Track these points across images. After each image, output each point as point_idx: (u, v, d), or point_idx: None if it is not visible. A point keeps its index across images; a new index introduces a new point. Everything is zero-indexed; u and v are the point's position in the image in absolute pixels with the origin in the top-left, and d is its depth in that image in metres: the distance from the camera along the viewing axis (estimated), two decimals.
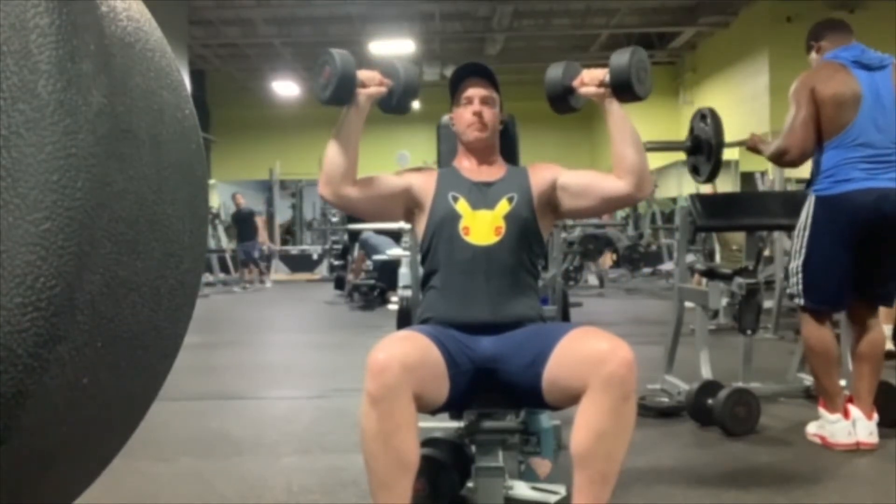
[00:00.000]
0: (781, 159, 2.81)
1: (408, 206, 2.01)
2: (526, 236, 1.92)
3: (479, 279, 1.86)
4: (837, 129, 2.69)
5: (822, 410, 2.81)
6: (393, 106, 1.93)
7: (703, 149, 3.20)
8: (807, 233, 2.76)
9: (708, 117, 3.17)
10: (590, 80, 1.86)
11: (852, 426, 2.72)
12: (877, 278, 2.74)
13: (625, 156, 1.84)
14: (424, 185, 1.99)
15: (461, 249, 1.89)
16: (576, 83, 1.88)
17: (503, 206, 1.92)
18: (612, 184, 1.88)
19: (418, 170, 2.11)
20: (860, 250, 2.68)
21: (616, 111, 1.85)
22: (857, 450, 2.69)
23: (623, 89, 1.82)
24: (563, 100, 1.92)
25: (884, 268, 2.73)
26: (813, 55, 2.91)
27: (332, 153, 1.88)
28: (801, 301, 2.80)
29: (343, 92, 1.83)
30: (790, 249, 2.93)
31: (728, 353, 3.91)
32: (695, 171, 3.31)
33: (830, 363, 2.79)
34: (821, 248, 2.72)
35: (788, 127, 2.75)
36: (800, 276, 2.77)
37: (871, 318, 2.81)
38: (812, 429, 2.86)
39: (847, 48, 2.77)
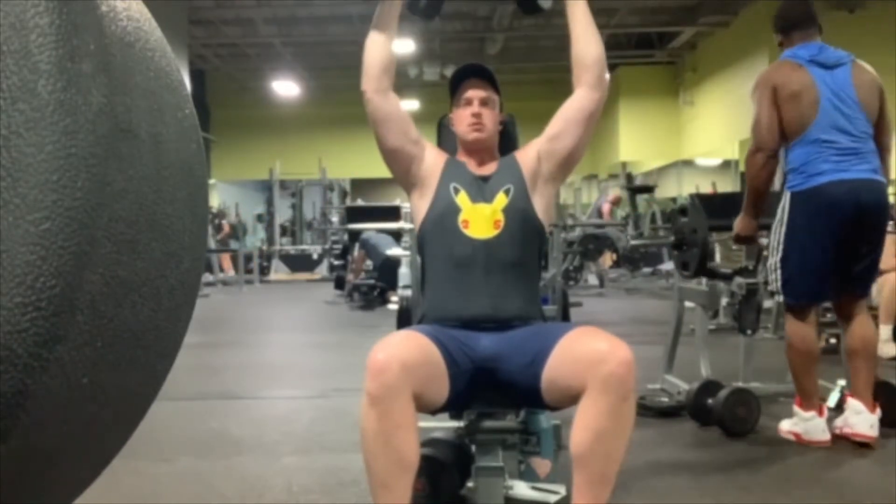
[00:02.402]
0: (756, 158, 2.74)
1: (413, 169, 1.99)
2: (525, 228, 1.92)
3: (478, 273, 1.86)
4: (800, 129, 2.70)
5: (796, 408, 2.83)
6: (421, 8, 2.01)
7: (688, 244, 3.26)
8: (783, 228, 2.76)
9: (689, 210, 3.21)
10: None
11: (826, 424, 2.75)
12: (857, 271, 2.74)
13: (588, 50, 1.93)
14: (434, 161, 2.00)
15: (460, 243, 1.89)
16: None
17: (501, 200, 1.92)
18: (577, 96, 1.95)
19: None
20: (839, 244, 2.68)
21: (581, 5, 1.95)
22: (832, 447, 2.71)
23: None
24: (530, 0, 2.02)
25: (863, 260, 2.73)
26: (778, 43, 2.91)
27: (371, 46, 1.96)
28: (780, 298, 2.82)
29: None
30: (767, 245, 2.92)
31: (728, 353, 3.91)
32: (683, 266, 3.33)
33: (810, 361, 2.80)
34: (799, 243, 2.72)
35: (755, 124, 2.76)
36: (779, 272, 2.78)
37: (857, 311, 2.81)
38: (786, 426, 2.87)
39: (804, 46, 2.77)
